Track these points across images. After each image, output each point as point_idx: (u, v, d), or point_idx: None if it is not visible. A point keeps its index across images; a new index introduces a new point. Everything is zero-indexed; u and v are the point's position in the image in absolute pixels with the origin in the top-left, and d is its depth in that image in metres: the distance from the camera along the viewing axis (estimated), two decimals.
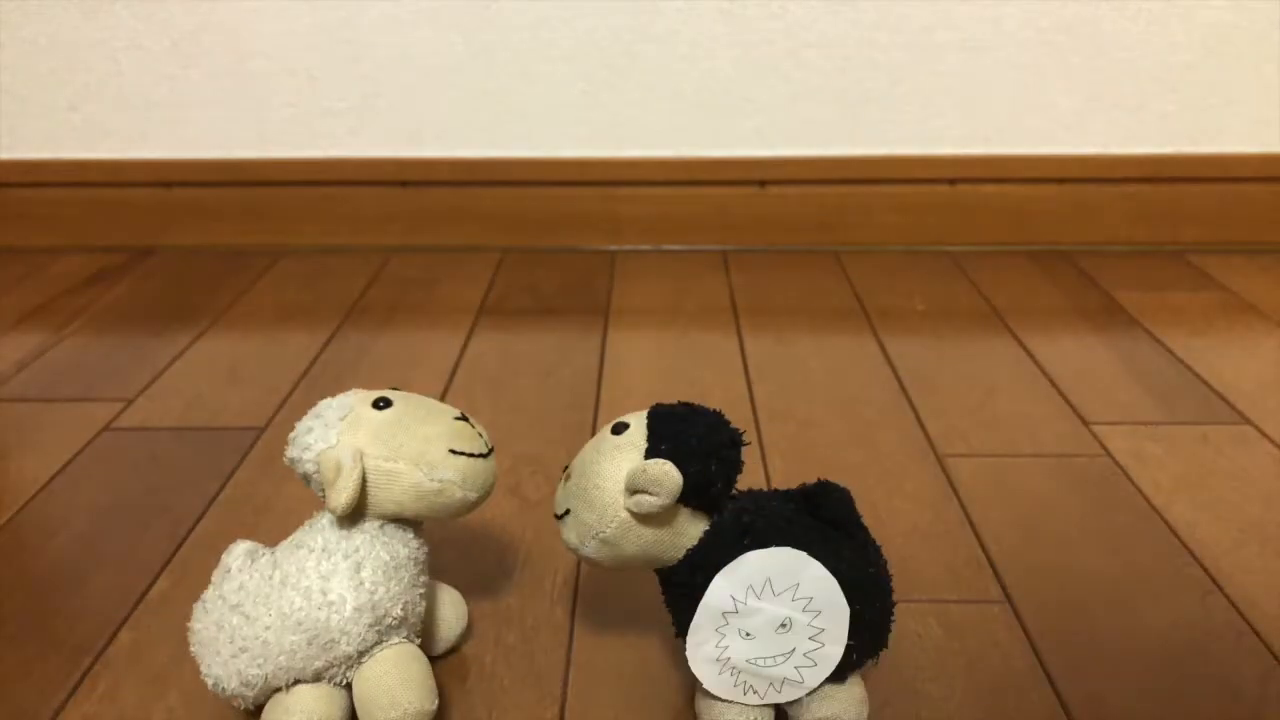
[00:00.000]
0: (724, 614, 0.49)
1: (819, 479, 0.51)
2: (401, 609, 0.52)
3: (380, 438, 0.52)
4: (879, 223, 1.26)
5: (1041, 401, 0.89)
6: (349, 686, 0.52)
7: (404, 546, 0.53)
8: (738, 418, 0.57)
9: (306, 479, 0.53)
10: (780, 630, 0.49)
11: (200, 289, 1.17)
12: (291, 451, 0.53)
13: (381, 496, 0.52)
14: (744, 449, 0.51)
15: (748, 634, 0.49)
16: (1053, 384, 0.92)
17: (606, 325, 1.06)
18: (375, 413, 0.53)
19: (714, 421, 0.51)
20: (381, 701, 0.50)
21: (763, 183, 1.25)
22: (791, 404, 0.89)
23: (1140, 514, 0.73)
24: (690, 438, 0.49)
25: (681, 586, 0.50)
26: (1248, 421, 0.85)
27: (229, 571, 0.52)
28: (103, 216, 1.28)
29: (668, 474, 0.47)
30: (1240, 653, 0.59)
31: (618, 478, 0.49)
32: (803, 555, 0.48)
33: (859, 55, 1.20)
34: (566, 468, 0.53)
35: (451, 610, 0.59)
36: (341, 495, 0.50)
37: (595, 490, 0.50)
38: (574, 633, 0.61)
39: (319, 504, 0.54)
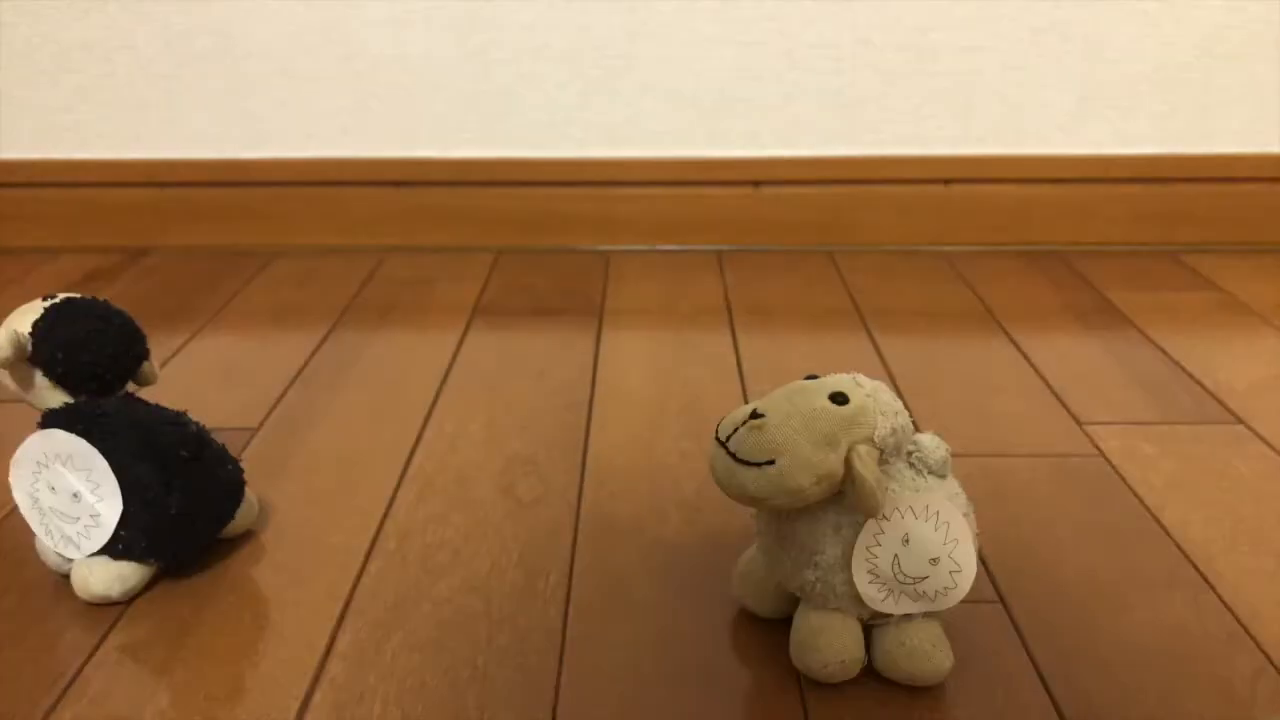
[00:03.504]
0: (36, 463, 0.63)
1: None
2: None
3: None
4: (873, 223, 1.26)
5: (1035, 401, 0.89)
6: None
7: None
8: None
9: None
10: (74, 499, 0.62)
11: (194, 290, 1.17)
12: None
13: None
14: None
15: (52, 488, 0.63)
16: (1046, 384, 0.92)
17: (601, 325, 1.06)
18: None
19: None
20: None
21: (757, 183, 1.25)
22: None
23: (1133, 514, 0.73)
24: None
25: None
26: (1241, 421, 0.85)
27: None
28: (96, 217, 1.28)
29: None
30: (1232, 652, 0.59)
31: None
32: (94, 451, 0.62)
33: (853, 56, 1.20)
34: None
35: None
36: None
37: None
38: (566, 634, 0.61)
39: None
